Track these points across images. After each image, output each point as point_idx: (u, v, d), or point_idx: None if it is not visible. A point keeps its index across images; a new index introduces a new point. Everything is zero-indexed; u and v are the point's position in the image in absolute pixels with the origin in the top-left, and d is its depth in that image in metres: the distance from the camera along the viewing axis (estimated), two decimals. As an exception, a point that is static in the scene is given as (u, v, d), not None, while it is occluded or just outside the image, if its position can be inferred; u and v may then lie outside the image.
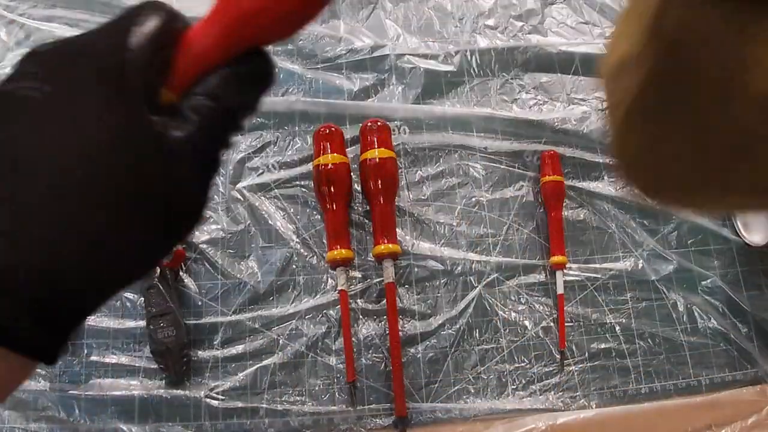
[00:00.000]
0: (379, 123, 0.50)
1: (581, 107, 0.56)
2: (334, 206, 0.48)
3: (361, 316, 0.48)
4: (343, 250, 0.47)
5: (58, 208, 0.17)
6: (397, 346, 0.45)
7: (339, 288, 0.47)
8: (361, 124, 0.51)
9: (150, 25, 0.19)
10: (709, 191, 0.27)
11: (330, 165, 0.48)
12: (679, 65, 0.24)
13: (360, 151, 0.50)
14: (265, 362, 0.46)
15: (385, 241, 0.47)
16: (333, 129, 0.50)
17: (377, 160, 0.48)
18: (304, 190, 0.51)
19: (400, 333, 0.47)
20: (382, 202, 0.48)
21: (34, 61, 0.19)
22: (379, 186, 0.48)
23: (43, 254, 0.17)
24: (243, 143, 0.53)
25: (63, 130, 0.18)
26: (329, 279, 0.49)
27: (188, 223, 0.20)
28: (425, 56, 0.57)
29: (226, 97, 0.20)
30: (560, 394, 0.47)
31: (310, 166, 0.52)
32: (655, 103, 0.26)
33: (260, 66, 0.21)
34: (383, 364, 0.47)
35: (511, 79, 0.57)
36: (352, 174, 0.50)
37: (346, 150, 0.51)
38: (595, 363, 0.48)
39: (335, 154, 0.48)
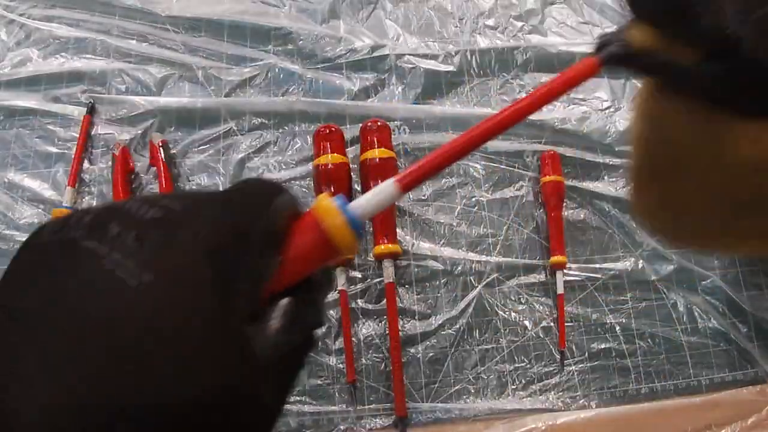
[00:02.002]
0: (379, 123, 0.50)
1: (581, 107, 0.56)
2: None
3: (361, 316, 0.48)
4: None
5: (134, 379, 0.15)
6: (397, 346, 0.45)
7: (339, 288, 0.47)
8: (361, 124, 0.51)
9: (275, 217, 0.18)
10: (726, 239, 0.30)
11: (330, 165, 0.48)
12: (665, 144, 0.27)
13: (360, 151, 0.50)
14: (265, 362, 0.46)
15: (386, 241, 0.47)
16: (333, 129, 0.50)
17: (377, 160, 0.48)
18: (304, 190, 0.51)
19: (400, 333, 0.47)
20: None
21: (129, 229, 0.16)
22: None
23: None
24: (243, 143, 0.53)
25: (157, 332, 0.15)
26: (337, 288, 0.49)
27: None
28: (425, 56, 0.57)
29: (309, 317, 0.19)
30: (560, 394, 0.47)
31: (309, 166, 0.52)
32: (655, 168, 0.29)
33: (327, 280, 0.20)
34: (383, 364, 0.47)
35: (511, 79, 0.57)
36: (352, 174, 0.50)
37: (346, 150, 0.51)
38: (595, 363, 0.48)
39: (335, 154, 0.48)
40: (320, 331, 0.17)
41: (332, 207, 0.19)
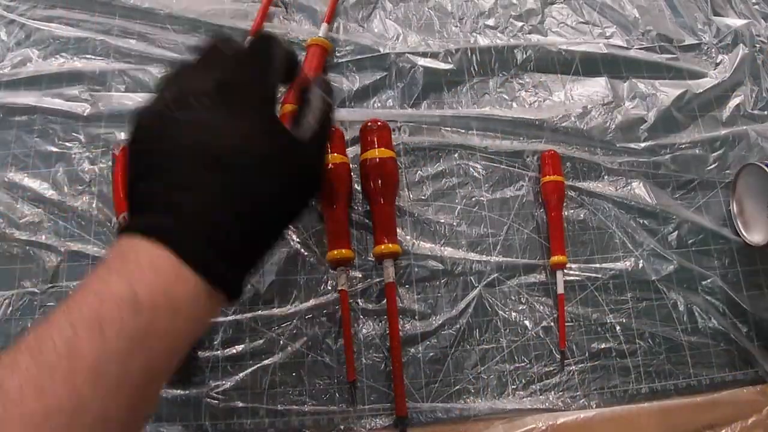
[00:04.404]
0: (379, 123, 0.50)
1: (581, 105, 0.56)
2: (335, 206, 0.48)
3: (361, 316, 0.48)
4: (343, 250, 0.47)
5: (241, 179, 0.28)
6: (398, 345, 0.45)
7: (339, 288, 0.47)
8: (360, 125, 0.51)
9: (278, 59, 0.32)
10: None
11: (330, 165, 0.48)
12: None
13: (360, 151, 0.50)
14: (265, 362, 0.46)
15: (386, 241, 0.47)
16: (333, 129, 0.50)
17: (377, 160, 0.48)
18: (304, 190, 0.51)
19: (400, 333, 0.47)
20: (382, 202, 0.48)
21: (206, 92, 0.29)
22: (380, 186, 0.48)
23: (233, 212, 0.28)
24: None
25: (233, 137, 0.29)
26: (329, 279, 0.49)
27: (315, 187, 0.34)
28: (425, 54, 0.57)
29: (326, 100, 0.34)
30: (560, 393, 0.47)
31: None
32: None
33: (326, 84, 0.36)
34: (383, 364, 0.47)
35: (511, 78, 0.57)
36: (352, 174, 0.50)
37: (346, 150, 0.51)
38: (596, 363, 0.48)
39: (335, 154, 0.48)
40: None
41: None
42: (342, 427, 0.45)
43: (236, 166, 0.28)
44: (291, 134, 0.31)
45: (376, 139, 0.49)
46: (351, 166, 0.50)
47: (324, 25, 0.56)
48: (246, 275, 0.29)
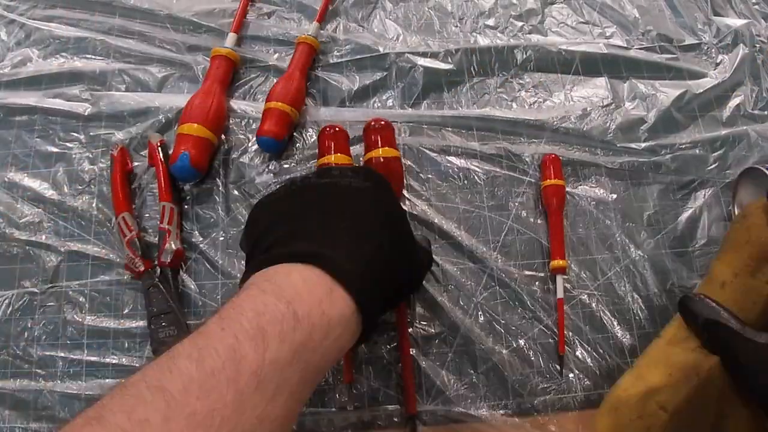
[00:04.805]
0: (382, 122, 0.50)
1: (581, 105, 0.56)
2: None
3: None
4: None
5: (392, 229, 0.34)
6: (407, 344, 0.45)
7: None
8: (361, 124, 0.51)
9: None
10: None
11: (333, 162, 0.48)
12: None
13: (364, 151, 0.50)
14: (265, 362, 0.46)
15: None
16: (338, 129, 0.49)
17: (382, 159, 0.48)
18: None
19: (401, 333, 0.47)
20: None
21: (355, 172, 0.36)
22: None
23: (380, 253, 0.31)
24: (244, 143, 0.53)
25: (375, 204, 0.34)
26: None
27: (419, 279, 0.43)
28: (425, 54, 0.57)
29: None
30: (560, 395, 0.47)
31: (309, 166, 0.52)
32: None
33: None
34: (384, 366, 0.47)
35: (511, 78, 0.57)
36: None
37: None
38: (596, 366, 0.48)
39: (338, 154, 0.48)
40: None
41: None
42: (342, 425, 0.44)
43: (394, 217, 0.35)
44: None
45: (380, 139, 0.49)
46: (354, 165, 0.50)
47: (315, 24, 0.56)
48: (377, 313, 0.31)
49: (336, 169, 0.35)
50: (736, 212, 0.52)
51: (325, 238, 0.30)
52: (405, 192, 0.52)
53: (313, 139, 0.53)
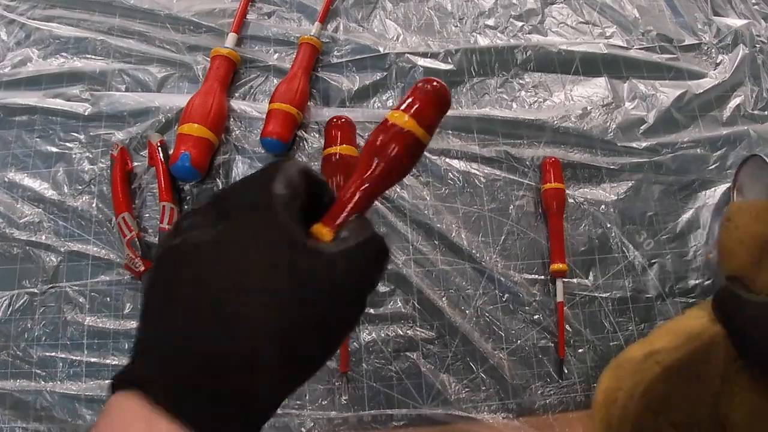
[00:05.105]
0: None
1: (581, 105, 0.56)
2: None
3: (363, 321, 0.48)
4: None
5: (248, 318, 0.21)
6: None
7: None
8: (361, 125, 0.52)
9: (289, 173, 0.25)
10: None
11: (338, 155, 0.49)
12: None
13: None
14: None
15: None
16: (344, 120, 0.51)
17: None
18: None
19: (401, 338, 0.47)
20: None
21: (197, 214, 0.24)
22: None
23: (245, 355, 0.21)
24: (244, 143, 0.53)
25: (237, 261, 0.22)
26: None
27: (345, 324, 0.25)
28: (425, 54, 0.57)
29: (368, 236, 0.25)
30: (561, 397, 0.47)
31: (313, 165, 0.52)
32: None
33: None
34: (384, 369, 0.47)
35: (511, 78, 0.57)
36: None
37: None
38: (596, 368, 0.48)
39: (344, 146, 0.49)
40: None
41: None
42: (342, 428, 0.45)
43: (263, 270, 0.22)
44: (311, 244, 0.23)
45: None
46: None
47: (317, 24, 0.56)
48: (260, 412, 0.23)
49: (190, 215, 0.25)
50: (735, 199, 0.52)
51: (146, 342, 0.23)
52: (404, 194, 0.52)
53: (313, 140, 0.53)
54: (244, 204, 0.24)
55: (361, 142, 0.52)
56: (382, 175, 0.28)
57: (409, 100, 0.30)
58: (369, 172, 0.28)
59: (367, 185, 0.28)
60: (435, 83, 0.30)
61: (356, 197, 0.27)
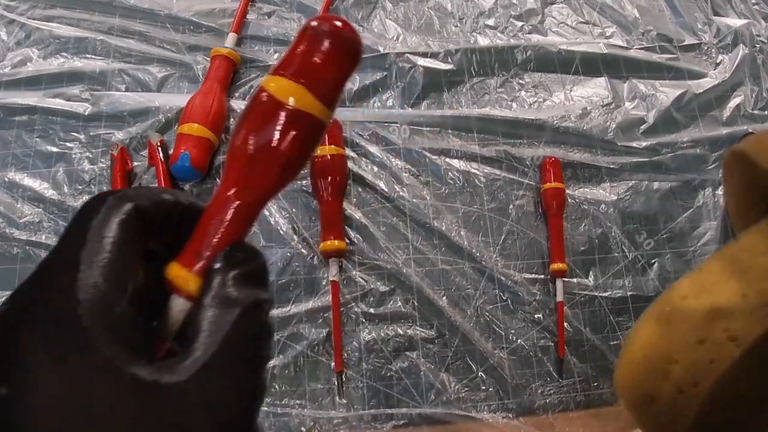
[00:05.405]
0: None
1: (581, 104, 0.56)
2: (329, 197, 0.48)
3: (363, 320, 0.48)
4: (336, 241, 0.47)
5: None
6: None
7: (331, 279, 0.47)
8: (361, 125, 0.52)
9: (108, 236, 0.16)
10: None
11: (328, 156, 0.48)
12: None
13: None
14: (265, 362, 0.46)
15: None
16: (332, 121, 0.50)
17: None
18: (304, 189, 0.51)
19: (401, 337, 0.47)
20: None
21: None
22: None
23: None
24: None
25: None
26: (329, 279, 0.49)
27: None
28: (425, 54, 0.57)
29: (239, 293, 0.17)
30: (560, 396, 0.47)
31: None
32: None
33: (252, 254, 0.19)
34: (384, 369, 0.47)
35: (511, 78, 0.57)
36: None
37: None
38: (596, 368, 0.48)
39: (332, 146, 0.49)
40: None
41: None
42: (341, 427, 0.45)
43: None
44: (140, 373, 0.15)
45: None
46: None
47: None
48: None
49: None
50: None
51: None
52: (404, 193, 0.52)
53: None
54: (40, 337, 0.15)
55: (360, 142, 0.52)
56: (261, 182, 0.19)
57: (298, 53, 0.19)
58: (241, 181, 0.19)
59: (238, 203, 0.19)
60: (337, 23, 0.19)
61: (226, 221, 0.19)
